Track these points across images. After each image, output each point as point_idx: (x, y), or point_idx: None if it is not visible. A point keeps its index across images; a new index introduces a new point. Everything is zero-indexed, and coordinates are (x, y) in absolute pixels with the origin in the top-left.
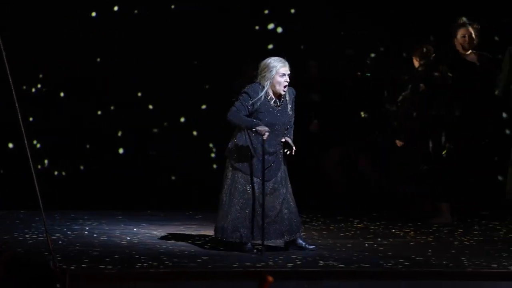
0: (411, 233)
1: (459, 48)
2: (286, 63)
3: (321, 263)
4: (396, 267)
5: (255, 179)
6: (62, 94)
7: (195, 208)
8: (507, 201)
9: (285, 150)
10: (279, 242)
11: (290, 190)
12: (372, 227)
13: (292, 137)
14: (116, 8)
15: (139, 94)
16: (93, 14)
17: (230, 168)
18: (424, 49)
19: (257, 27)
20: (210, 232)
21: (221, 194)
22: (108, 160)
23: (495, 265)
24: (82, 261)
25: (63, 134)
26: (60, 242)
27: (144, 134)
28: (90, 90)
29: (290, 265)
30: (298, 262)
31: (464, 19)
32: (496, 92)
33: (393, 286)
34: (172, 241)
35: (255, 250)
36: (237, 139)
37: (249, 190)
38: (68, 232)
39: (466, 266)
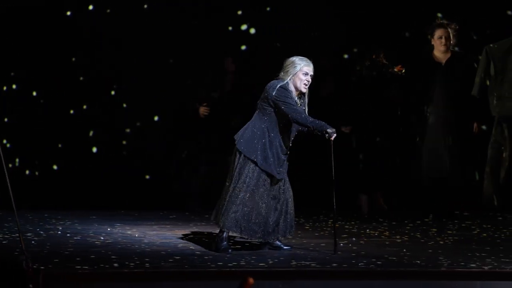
0: (386, 233)
1: (436, 48)
2: (311, 64)
3: (294, 263)
4: (370, 266)
5: (267, 175)
6: (34, 93)
7: (169, 207)
8: (483, 205)
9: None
10: (255, 241)
11: (291, 191)
12: (347, 226)
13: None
14: (91, 7)
15: (113, 92)
16: (68, 13)
17: (242, 159)
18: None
19: (230, 28)
20: (184, 231)
21: (230, 184)
22: (82, 159)
23: (469, 265)
24: (55, 261)
25: (36, 133)
26: (33, 242)
27: (117, 134)
28: (63, 89)
29: (262, 264)
30: (271, 262)
31: (442, 20)
32: (473, 91)
33: (367, 286)
34: (146, 241)
35: (229, 250)
36: (255, 133)
37: (261, 186)
38: (41, 232)
39: (440, 266)
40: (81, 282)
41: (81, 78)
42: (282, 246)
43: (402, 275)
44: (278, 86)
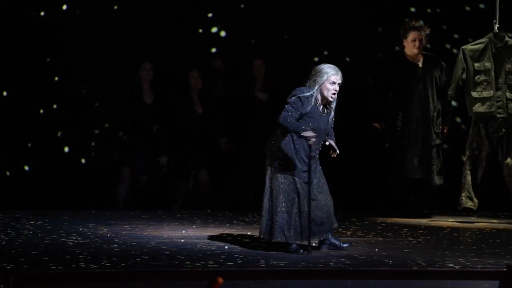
0: (359, 232)
1: (409, 49)
2: (339, 73)
3: (263, 263)
4: (341, 266)
5: (298, 179)
6: (5, 93)
7: (142, 207)
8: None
9: (330, 152)
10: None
11: (328, 190)
12: None
13: (334, 139)
14: (64, 7)
15: (83, 91)
16: (42, 13)
17: (272, 169)
18: None
19: (200, 30)
20: (157, 231)
21: (264, 195)
22: (53, 159)
23: (440, 264)
24: (26, 261)
25: (6, 133)
26: (3, 242)
27: (86, 134)
28: (33, 88)
29: (230, 264)
30: (240, 261)
31: (416, 22)
32: (450, 92)
33: (339, 285)
34: (118, 241)
35: (301, 250)
36: (279, 140)
37: (294, 191)
38: (12, 232)
39: (411, 265)
40: (53, 283)
41: (56, 78)
42: (341, 244)
43: (373, 275)
44: (300, 94)
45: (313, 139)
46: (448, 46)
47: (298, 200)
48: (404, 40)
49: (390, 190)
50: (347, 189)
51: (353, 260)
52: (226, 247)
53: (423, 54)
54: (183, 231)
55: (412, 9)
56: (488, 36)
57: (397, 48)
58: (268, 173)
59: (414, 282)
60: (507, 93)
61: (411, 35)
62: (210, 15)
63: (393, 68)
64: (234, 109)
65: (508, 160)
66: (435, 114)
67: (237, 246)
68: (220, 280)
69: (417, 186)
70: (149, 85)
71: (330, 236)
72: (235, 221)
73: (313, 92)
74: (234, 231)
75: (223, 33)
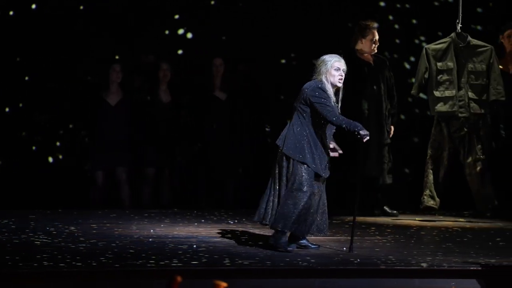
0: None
1: (366, 49)
2: (342, 59)
3: (228, 261)
4: (309, 264)
5: (315, 175)
6: None
7: (110, 206)
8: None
9: (332, 154)
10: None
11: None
12: None
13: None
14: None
15: (52, 90)
16: (11, 12)
17: (292, 163)
18: None
19: (167, 32)
20: (124, 230)
21: (275, 184)
22: (20, 158)
23: (407, 262)
24: None
25: None
26: None
27: (51, 133)
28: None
29: (194, 263)
30: (204, 260)
31: (373, 22)
32: (412, 91)
33: (307, 284)
34: (84, 239)
35: (289, 248)
36: (298, 136)
37: (313, 184)
38: None
39: (378, 264)
40: (19, 282)
41: (27, 78)
42: (310, 245)
43: (341, 273)
44: (315, 86)
45: (368, 137)
46: (417, 41)
47: (314, 196)
48: (362, 39)
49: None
50: None
51: (321, 259)
52: (194, 245)
53: (372, 54)
54: (151, 230)
55: (382, 4)
56: (451, 35)
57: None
58: (285, 164)
59: (382, 280)
60: (469, 93)
61: (371, 35)
62: (176, 16)
63: (348, 66)
64: (194, 107)
65: (470, 159)
66: (386, 113)
67: (204, 245)
68: (179, 279)
69: (371, 185)
70: (118, 87)
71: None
72: (203, 220)
73: (323, 82)
74: (202, 230)
75: (189, 35)
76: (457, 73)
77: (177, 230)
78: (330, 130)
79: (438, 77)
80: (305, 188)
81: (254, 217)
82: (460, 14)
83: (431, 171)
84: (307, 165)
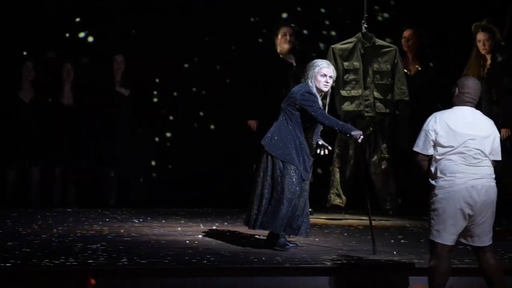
0: (231, 228)
1: (281, 45)
2: (331, 66)
3: (125, 260)
4: (208, 263)
5: (300, 176)
6: None
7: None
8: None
9: (319, 151)
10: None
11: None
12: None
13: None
14: None
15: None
16: None
17: (278, 163)
18: None
19: (67, 35)
20: (25, 230)
21: (266, 189)
22: None
23: (312, 260)
24: None
25: None
26: None
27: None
28: None
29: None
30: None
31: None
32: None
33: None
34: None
35: (290, 245)
36: (285, 137)
37: (298, 185)
38: None
39: (283, 262)
40: None
41: None
42: (288, 244)
43: (244, 272)
44: (303, 90)
45: (361, 137)
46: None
47: (299, 195)
48: (276, 38)
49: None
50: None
51: (221, 257)
52: (99, 245)
53: (294, 55)
54: (54, 230)
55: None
56: (356, 36)
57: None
58: (270, 164)
59: (287, 279)
60: (375, 93)
61: (282, 30)
62: (77, 19)
63: (270, 67)
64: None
65: (375, 158)
66: None
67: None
68: (93, 281)
69: None
70: (30, 85)
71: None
72: (108, 219)
73: (310, 87)
74: (106, 229)
75: (90, 39)
76: (363, 73)
77: (80, 229)
78: (318, 129)
79: (345, 77)
80: (294, 189)
81: (244, 222)
82: (365, 14)
83: (337, 169)
84: (295, 167)
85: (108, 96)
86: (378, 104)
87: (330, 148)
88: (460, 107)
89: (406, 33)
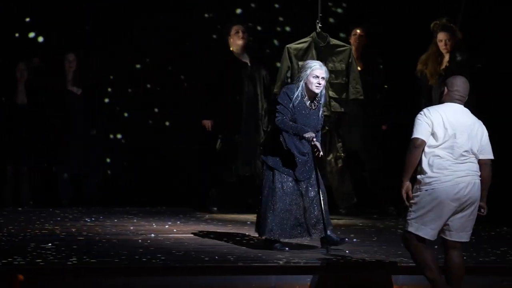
0: (186, 228)
1: (234, 44)
2: (324, 68)
3: (75, 259)
4: (160, 262)
5: (290, 178)
6: None
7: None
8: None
9: (315, 151)
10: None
11: (323, 190)
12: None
13: (320, 141)
14: None
15: None
16: None
17: (265, 167)
18: None
19: (17, 35)
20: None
21: (261, 194)
22: None
23: (264, 259)
24: None
25: None
26: None
27: None
28: None
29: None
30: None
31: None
32: (275, 89)
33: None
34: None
35: (287, 249)
36: (272, 139)
37: (286, 189)
38: None
39: (237, 261)
40: None
41: None
42: (337, 239)
43: (198, 271)
44: (283, 90)
45: (316, 139)
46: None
47: (291, 198)
48: (229, 37)
49: (224, 186)
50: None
51: (173, 256)
52: (50, 244)
53: (249, 54)
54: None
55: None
56: (311, 35)
57: None
58: (264, 172)
59: (240, 277)
60: (330, 92)
61: (234, 28)
62: (27, 19)
63: (225, 66)
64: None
65: (330, 157)
66: (263, 112)
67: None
68: (21, 277)
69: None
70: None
71: (328, 233)
72: (59, 218)
73: (299, 86)
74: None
75: (40, 39)
76: None
77: (31, 229)
78: (314, 127)
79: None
80: (275, 193)
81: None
82: (320, 14)
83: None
84: (276, 168)
85: (60, 95)
86: (333, 103)
87: (321, 153)
88: (451, 103)
89: (356, 31)
